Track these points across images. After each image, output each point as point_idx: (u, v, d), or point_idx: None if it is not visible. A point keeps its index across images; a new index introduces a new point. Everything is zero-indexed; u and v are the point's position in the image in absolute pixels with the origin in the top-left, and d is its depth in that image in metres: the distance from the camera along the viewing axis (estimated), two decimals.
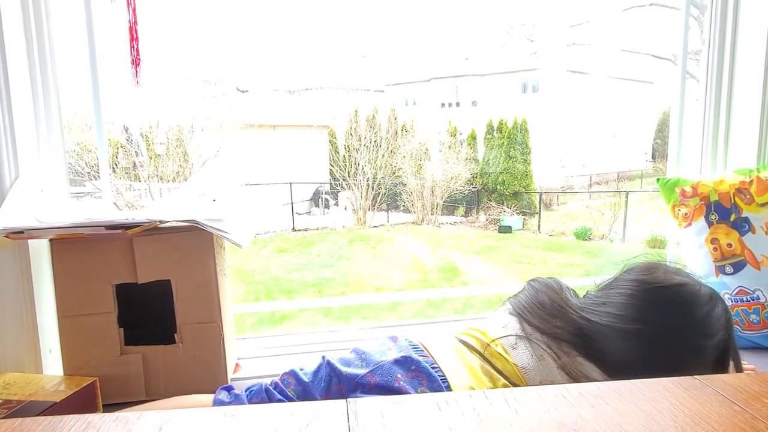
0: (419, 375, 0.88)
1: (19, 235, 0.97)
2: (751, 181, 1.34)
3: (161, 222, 1.03)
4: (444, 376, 0.88)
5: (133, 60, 1.19)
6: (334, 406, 0.56)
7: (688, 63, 1.61)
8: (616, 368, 0.88)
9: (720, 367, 0.89)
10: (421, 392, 0.85)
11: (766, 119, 1.42)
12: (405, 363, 0.90)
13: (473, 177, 9.08)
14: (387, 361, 0.90)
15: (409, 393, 0.84)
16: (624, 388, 0.58)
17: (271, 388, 0.94)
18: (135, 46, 1.18)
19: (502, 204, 8.89)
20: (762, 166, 1.39)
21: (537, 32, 10.98)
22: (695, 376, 0.60)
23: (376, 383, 0.87)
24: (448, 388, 0.86)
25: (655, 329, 0.90)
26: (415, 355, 0.91)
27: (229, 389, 0.95)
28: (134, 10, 1.18)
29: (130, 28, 1.18)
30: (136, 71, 1.20)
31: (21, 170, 1.09)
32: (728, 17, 1.49)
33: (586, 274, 6.37)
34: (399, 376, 0.87)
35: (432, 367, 0.89)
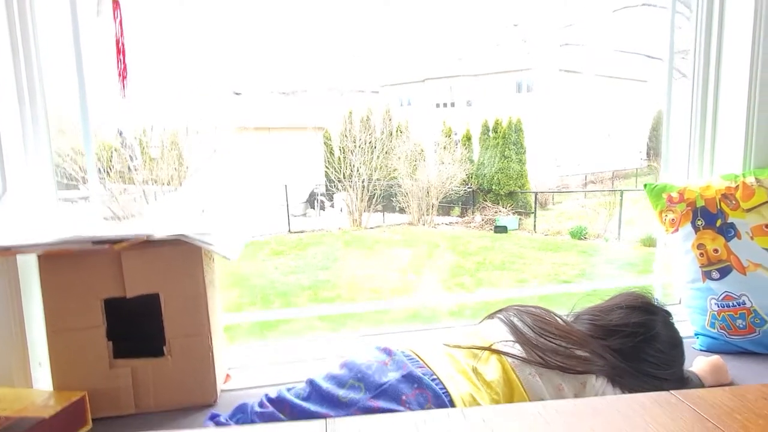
0: (424, 392, 0.86)
1: (7, 251, 0.97)
2: (737, 187, 1.35)
3: (149, 236, 1.03)
4: (445, 388, 0.87)
5: (119, 73, 1.19)
6: (313, 426, 0.57)
7: (682, 63, 1.61)
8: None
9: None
10: (428, 409, 0.84)
11: (752, 124, 1.43)
12: (408, 380, 0.88)
13: (468, 177, 9.09)
14: (389, 383, 0.88)
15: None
16: (600, 405, 0.59)
17: (257, 419, 0.89)
18: (122, 59, 1.19)
19: (498, 204, 8.91)
20: (747, 172, 1.40)
21: (531, 32, 11.01)
22: (671, 392, 0.61)
23: (380, 407, 0.84)
24: (450, 401, 0.85)
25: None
26: (416, 371, 0.89)
27: (214, 418, 0.93)
28: (120, 23, 1.18)
29: (117, 41, 1.18)
30: (123, 84, 1.20)
31: (8, 185, 1.10)
32: (714, 21, 1.50)
33: (582, 274, 6.40)
34: (404, 397, 0.86)
35: (432, 380, 0.88)
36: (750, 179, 1.35)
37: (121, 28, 1.18)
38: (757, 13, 1.37)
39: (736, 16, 1.45)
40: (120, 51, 1.19)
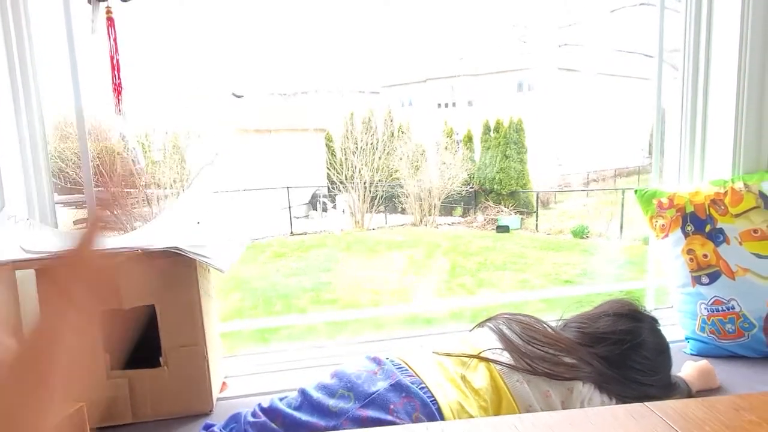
0: (412, 400, 0.88)
1: (3, 266, 0.99)
2: (726, 192, 1.36)
3: (144, 250, 1.06)
4: (432, 396, 0.89)
5: (115, 88, 1.21)
6: None
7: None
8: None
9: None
10: (416, 418, 0.85)
11: (740, 130, 1.44)
12: (396, 389, 0.90)
13: (470, 177, 9.09)
14: (378, 392, 0.89)
15: (404, 421, 0.85)
16: (576, 417, 0.60)
17: (250, 429, 0.91)
18: (117, 75, 1.21)
19: (500, 204, 8.91)
20: (736, 177, 1.41)
21: (532, 32, 11.00)
22: (645, 404, 0.62)
23: (368, 417, 0.86)
24: (438, 409, 0.87)
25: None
26: (404, 380, 0.91)
27: (208, 428, 0.95)
28: (115, 40, 1.21)
29: (111, 58, 1.21)
30: (119, 99, 1.23)
31: (5, 200, 1.12)
32: (702, 25, 1.50)
33: (584, 273, 6.40)
34: (392, 406, 0.87)
35: (420, 388, 0.90)
36: (738, 185, 1.37)
37: (116, 45, 1.20)
38: (744, 20, 1.39)
39: (724, 20, 1.46)
40: (114, 67, 1.21)
